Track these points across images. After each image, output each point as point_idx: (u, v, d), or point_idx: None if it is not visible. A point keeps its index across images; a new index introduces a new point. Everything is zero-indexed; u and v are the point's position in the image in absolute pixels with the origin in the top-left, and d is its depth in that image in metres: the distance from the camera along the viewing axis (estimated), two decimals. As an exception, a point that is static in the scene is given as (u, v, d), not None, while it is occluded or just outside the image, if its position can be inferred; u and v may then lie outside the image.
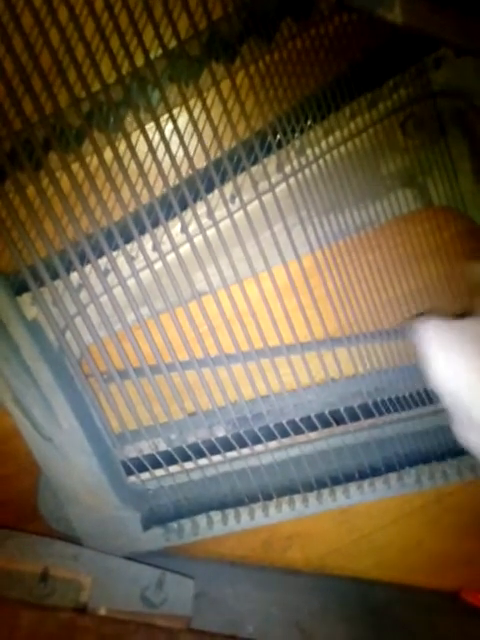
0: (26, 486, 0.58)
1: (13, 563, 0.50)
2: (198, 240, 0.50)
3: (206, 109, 0.47)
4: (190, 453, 0.56)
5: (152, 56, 0.45)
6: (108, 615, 0.48)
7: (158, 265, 0.50)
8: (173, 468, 0.57)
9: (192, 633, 0.48)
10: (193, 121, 0.47)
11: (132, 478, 0.57)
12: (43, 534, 0.55)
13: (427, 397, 0.60)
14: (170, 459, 0.56)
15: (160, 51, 0.45)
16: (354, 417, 0.59)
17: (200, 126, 0.47)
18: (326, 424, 0.59)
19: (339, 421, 0.59)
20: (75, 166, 0.46)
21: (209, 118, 0.47)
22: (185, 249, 0.50)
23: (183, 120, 0.47)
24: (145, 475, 0.57)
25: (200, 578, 0.59)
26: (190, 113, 0.46)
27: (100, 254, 0.49)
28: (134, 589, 0.51)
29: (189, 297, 0.52)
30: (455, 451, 0.62)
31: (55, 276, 0.48)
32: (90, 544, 0.55)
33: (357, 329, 0.56)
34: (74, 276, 0.49)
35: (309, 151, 0.50)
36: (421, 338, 0.43)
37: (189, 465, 0.57)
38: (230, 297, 0.52)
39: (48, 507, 0.56)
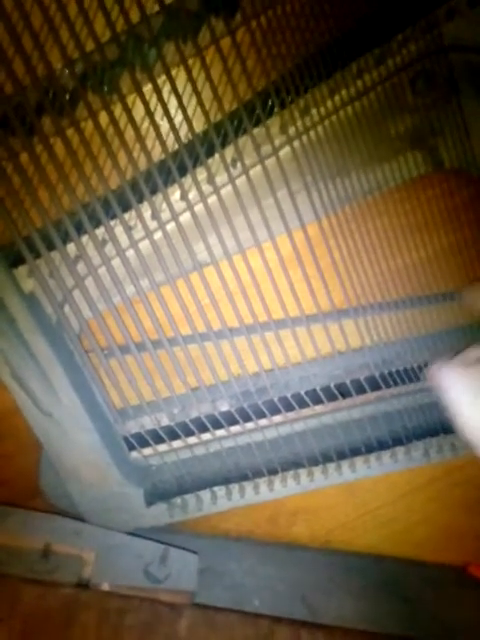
0: (27, 464, 0.57)
1: (15, 539, 0.49)
2: (199, 208, 0.48)
3: (205, 68, 0.44)
4: (193, 428, 0.55)
5: (148, 12, 0.43)
6: (111, 590, 0.47)
7: (157, 235, 0.49)
8: (176, 443, 0.56)
9: (196, 608, 0.47)
10: (192, 81, 0.44)
11: (134, 454, 0.56)
12: (45, 511, 0.54)
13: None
14: (173, 434, 0.55)
15: (156, 7, 0.43)
16: (361, 390, 0.58)
17: (199, 86, 0.45)
18: (332, 397, 0.57)
19: (345, 394, 0.58)
20: (69, 132, 0.44)
21: (209, 78, 0.45)
22: (185, 218, 0.48)
23: (181, 81, 0.45)
24: (148, 450, 0.56)
25: (205, 554, 0.58)
26: (189, 73, 0.44)
27: (97, 224, 0.47)
28: (137, 564, 0.50)
29: (190, 268, 0.50)
30: (464, 424, 0.61)
31: (51, 247, 0.47)
32: (93, 521, 0.55)
33: (364, 300, 0.55)
34: (71, 247, 0.48)
35: (314, 111, 0.48)
36: (446, 386, 0.43)
37: (192, 440, 0.56)
38: (233, 268, 0.51)
39: (50, 484, 0.56)
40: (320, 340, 0.55)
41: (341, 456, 0.59)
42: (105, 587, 0.48)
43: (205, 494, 0.58)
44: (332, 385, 0.57)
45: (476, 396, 0.41)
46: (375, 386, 0.58)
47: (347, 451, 0.59)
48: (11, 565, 0.46)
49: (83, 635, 0.41)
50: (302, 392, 0.57)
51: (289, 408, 0.57)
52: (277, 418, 0.57)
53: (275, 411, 0.57)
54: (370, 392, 0.58)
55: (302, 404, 0.57)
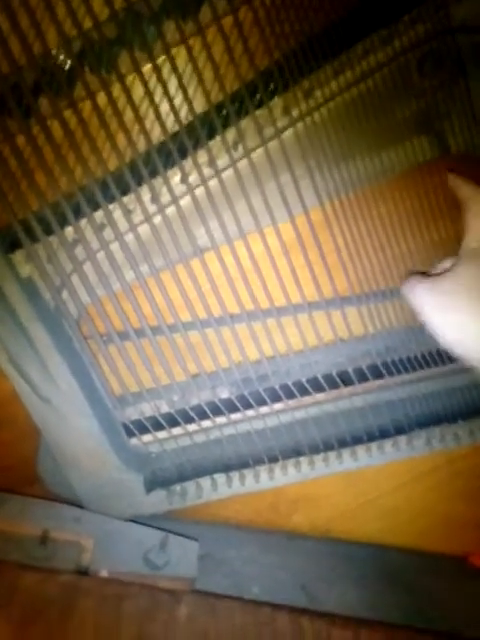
0: (25, 450, 0.56)
1: (12, 526, 0.49)
2: (199, 192, 0.47)
3: (207, 47, 0.43)
4: (193, 415, 0.55)
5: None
6: (110, 577, 0.47)
7: (157, 219, 0.48)
8: (176, 430, 0.55)
9: (196, 594, 0.47)
10: (193, 60, 0.43)
11: (134, 441, 0.56)
12: (43, 498, 0.54)
13: (439, 357, 0.58)
14: (173, 421, 0.55)
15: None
16: (363, 378, 0.57)
17: (200, 66, 0.44)
18: (334, 385, 0.57)
19: (347, 382, 0.57)
20: (67, 113, 0.43)
21: (210, 57, 0.43)
22: (186, 201, 0.48)
23: (182, 60, 0.44)
24: (147, 437, 0.55)
25: (205, 541, 0.58)
26: (189, 51, 0.43)
27: (95, 207, 0.46)
28: (137, 551, 0.50)
29: (190, 253, 0.49)
30: (467, 413, 0.60)
31: (49, 231, 0.46)
32: (91, 507, 0.54)
33: (367, 287, 0.54)
34: (69, 231, 0.47)
35: (318, 93, 0.47)
36: (416, 303, 0.45)
37: (192, 427, 0.56)
38: (234, 253, 0.50)
39: (48, 471, 0.55)
40: (322, 327, 0.54)
41: (342, 444, 0.59)
42: (104, 574, 0.47)
43: (205, 481, 0.58)
44: (334, 373, 0.56)
45: (445, 310, 0.43)
46: (378, 374, 0.57)
47: (349, 439, 0.59)
48: (9, 552, 0.46)
49: (82, 622, 0.41)
50: (303, 379, 0.56)
51: (290, 396, 0.56)
52: (278, 406, 0.56)
53: (276, 398, 0.56)
54: (373, 380, 0.57)
55: (303, 392, 0.56)
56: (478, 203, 0.47)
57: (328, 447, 0.59)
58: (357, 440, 0.59)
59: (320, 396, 0.57)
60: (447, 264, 0.49)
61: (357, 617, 0.55)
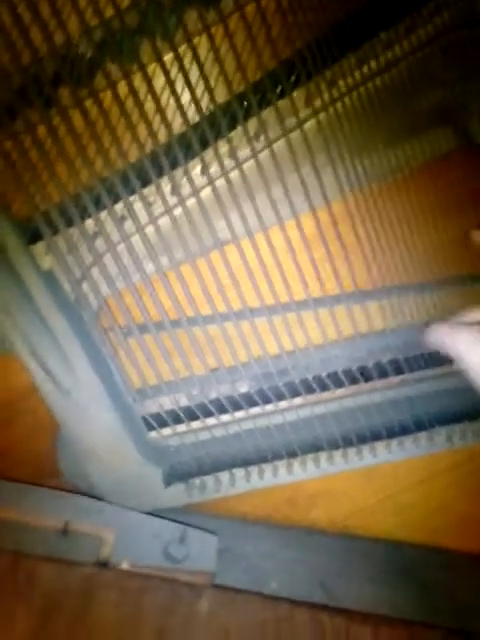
0: (45, 443, 0.57)
1: (34, 518, 0.49)
2: (220, 183, 0.47)
3: (229, 36, 0.43)
4: (212, 409, 0.55)
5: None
6: (130, 570, 0.47)
7: (177, 211, 0.47)
8: (195, 424, 0.55)
9: (216, 589, 0.47)
10: (214, 49, 0.43)
11: (153, 434, 0.56)
12: (63, 490, 0.54)
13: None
14: (192, 415, 0.55)
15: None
16: (383, 373, 0.56)
17: (222, 55, 0.43)
18: (353, 380, 0.56)
19: (367, 378, 0.56)
20: (88, 103, 0.43)
21: (232, 46, 0.43)
22: (206, 193, 0.47)
23: (203, 50, 0.43)
24: (166, 431, 0.55)
25: (222, 535, 0.58)
26: (211, 40, 0.42)
27: (116, 199, 0.46)
28: (156, 544, 0.50)
29: (211, 246, 0.49)
30: (490, 409, 0.59)
31: (69, 223, 0.46)
32: (111, 500, 0.54)
33: (389, 281, 0.53)
34: (89, 223, 0.46)
35: (341, 83, 0.46)
36: (452, 344, 0.44)
37: (211, 421, 0.55)
38: (254, 246, 0.49)
39: (68, 463, 0.56)
40: (342, 321, 0.54)
41: (362, 440, 0.58)
42: (124, 566, 0.47)
43: (224, 475, 0.57)
44: (354, 368, 0.56)
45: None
46: (398, 370, 0.56)
47: (368, 435, 0.58)
48: (30, 543, 0.46)
49: (103, 614, 0.41)
50: (323, 374, 0.56)
51: (310, 390, 0.56)
52: (297, 400, 0.56)
53: (295, 393, 0.56)
54: (393, 376, 0.57)
55: (323, 387, 0.56)
56: None
57: (347, 442, 0.58)
58: (376, 436, 0.58)
59: (340, 391, 0.57)
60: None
61: (375, 614, 0.54)
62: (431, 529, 0.69)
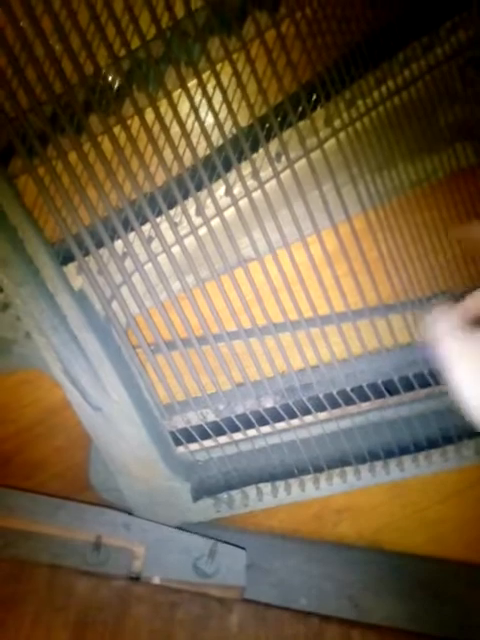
0: (77, 457, 0.58)
1: (67, 531, 0.50)
2: (243, 203, 0.48)
3: (250, 61, 0.44)
4: (238, 424, 0.55)
5: (193, 7, 0.43)
6: (162, 584, 0.48)
7: (202, 231, 0.49)
8: (222, 439, 0.56)
9: (246, 604, 0.47)
10: (237, 74, 0.44)
11: (181, 449, 0.56)
12: (94, 504, 0.55)
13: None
14: (219, 430, 0.55)
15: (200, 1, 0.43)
16: (409, 387, 0.56)
17: (244, 80, 0.45)
18: (379, 395, 0.56)
19: (393, 392, 0.56)
20: (116, 130, 0.45)
21: (253, 71, 0.44)
22: (230, 213, 0.48)
23: (225, 75, 0.45)
24: (194, 446, 0.56)
25: (250, 551, 0.58)
26: (233, 66, 0.44)
27: (143, 220, 0.47)
28: (187, 559, 0.51)
29: (235, 264, 0.50)
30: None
31: (100, 244, 0.47)
32: (141, 514, 0.55)
33: (412, 294, 0.53)
34: (119, 244, 0.48)
35: (360, 103, 0.47)
36: (442, 347, 0.37)
37: (238, 436, 0.56)
38: (277, 263, 0.50)
39: (99, 478, 0.57)
40: (367, 335, 0.54)
41: (389, 454, 0.58)
42: (156, 581, 0.48)
43: (251, 490, 0.58)
44: (379, 382, 0.56)
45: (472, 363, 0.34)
46: (425, 383, 0.56)
47: (395, 449, 0.58)
48: (65, 557, 0.47)
49: (136, 627, 0.42)
50: (348, 389, 0.56)
51: (335, 405, 0.56)
52: (323, 415, 0.56)
53: (321, 408, 0.56)
54: (419, 389, 0.56)
55: (348, 401, 0.56)
56: None
57: (374, 457, 0.58)
58: (404, 450, 0.58)
59: (365, 405, 0.57)
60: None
61: (407, 630, 0.54)
62: (460, 544, 0.68)
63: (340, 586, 0.60)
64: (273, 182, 0.48)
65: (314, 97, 0.47)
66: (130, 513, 0.55)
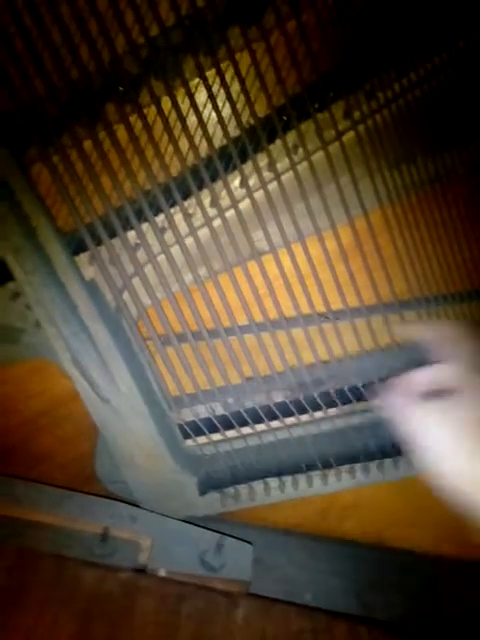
0: (84, 448, 0.58)
1: (73, 523, 0.50)
2: (258, 195, 0.47)
3: (270, 50, 0.43)
4: (247, 418, 0.55)
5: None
6: (168, 577, 0.48)
7: (216, 222, 0.48)
8: (230, 433, 0.56)
9: (252, 598, 0.47)
10: (256, 64, 0.43)
11: (189, 442, 0.56)
12: (100, 495, 0.55)
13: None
14: (227, 424, 0.55)
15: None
16: (420, 385, 0.56)
17: (262, 70, 0.44)
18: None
19: (404, 389, 0.56)
20: (132, 118, 0.44)
21: (272, 60, 0.44)
22: (245, 205, 0.48)
23: (244, 65, 0.44)
24: (202, 439, 0.56)
25: (255, 545, 0.58)
26: (253, 55, 0.43)
27: (157, 211, 0.47)
28: (193, 552, 0.50)
29: (248, 257, 0.49)
30: None
31: (112, 234, 0.47)
32: (147, 506, 0.55)
33: (427, 291, 0.53)
34: (131, 234, 0.48)
35: (380, 95, 0.46)
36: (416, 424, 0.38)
37: (246, 430, 0.56)
38: (291, 257, 0.50)
39: (105, 470, 0.56)
40: (379, 331, 0.54)
41: (397, 452, 0.58)
42: (162, 573, 0.48)
43: (258, 485, 0.57)
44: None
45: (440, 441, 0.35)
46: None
47: (405, 446, 0.57)
48: (72, 548, 0.47)
49: (142, 619, 0.42)
50: (359, 385, 0.55)
51: (346, 401, 0.55)
52: (333, 411, 0.56)
53: (331, 404, 0.55)
54: (430, 386, 0.56)
55: (359, 397, 0.55)
56: None
57: (383, 454, 0.57)
58: (413, 447, 0.58)
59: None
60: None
61: (415, 628, 0.54)
62: (466, 542, 0.68)
63: (347, 582, 0.60)
64: (289, 174, 0.47)
65: (333, 88, 0.46)
66: (136, 505, 0.55)
